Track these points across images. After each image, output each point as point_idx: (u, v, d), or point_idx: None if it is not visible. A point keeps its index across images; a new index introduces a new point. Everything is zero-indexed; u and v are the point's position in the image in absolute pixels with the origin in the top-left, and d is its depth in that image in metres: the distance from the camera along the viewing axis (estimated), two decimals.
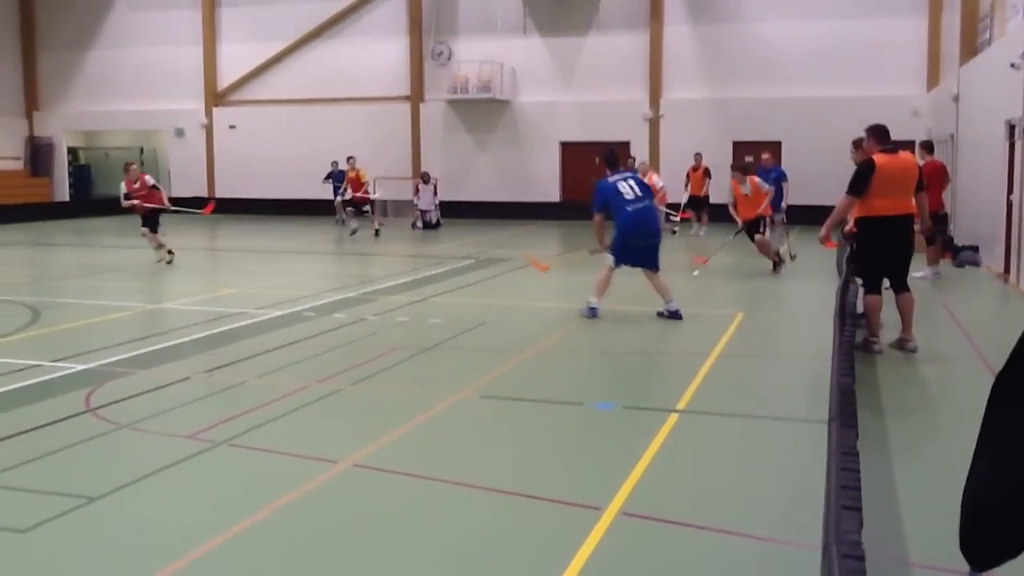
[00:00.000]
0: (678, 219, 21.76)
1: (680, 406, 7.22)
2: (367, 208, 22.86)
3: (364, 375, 8.31)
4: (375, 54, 29.91)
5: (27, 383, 8.03)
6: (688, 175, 23.10)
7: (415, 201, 26.64)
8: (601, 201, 10.99)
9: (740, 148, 25.82)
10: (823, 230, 9.31)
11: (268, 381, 8.13)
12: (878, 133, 9.00)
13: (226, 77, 31.72)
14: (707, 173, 22.86)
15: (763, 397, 7.75)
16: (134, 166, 17.42)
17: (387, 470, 5.76)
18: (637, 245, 10.95)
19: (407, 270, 16.38)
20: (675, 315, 10.93)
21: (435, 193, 26.27)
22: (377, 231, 22.99)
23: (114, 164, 34.97)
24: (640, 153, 27.39)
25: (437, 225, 25.74)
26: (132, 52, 32.19)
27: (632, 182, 11.06)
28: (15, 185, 31.58)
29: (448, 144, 29.41)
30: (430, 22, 29.41)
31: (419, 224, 25.86)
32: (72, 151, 34.20)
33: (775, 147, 26.14)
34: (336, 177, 25.74)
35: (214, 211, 20.44)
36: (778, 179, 17.99)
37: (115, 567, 4.44)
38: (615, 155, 11.64)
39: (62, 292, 13.65)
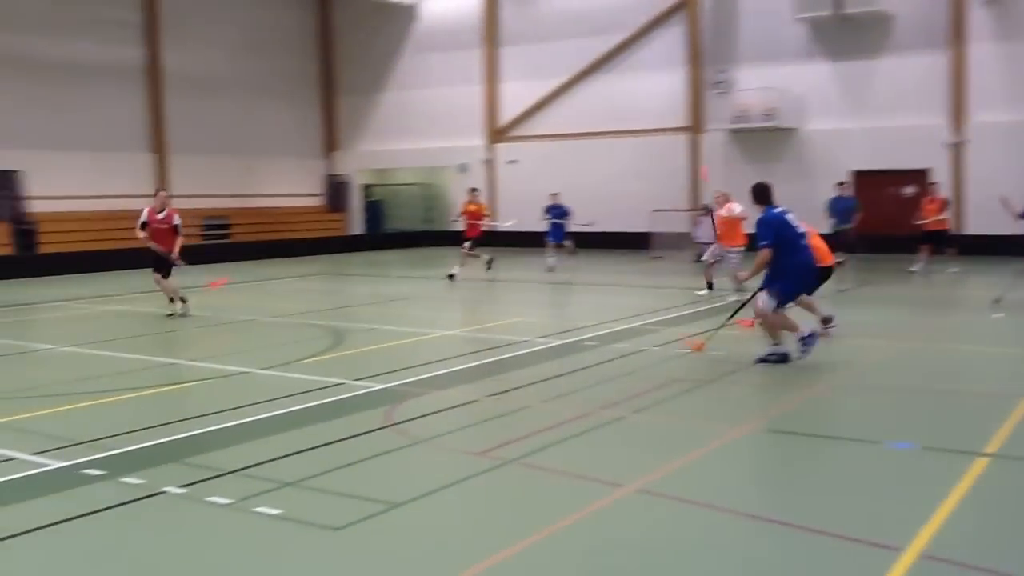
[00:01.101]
0: None
1: (989, 449, 6.82)
2: (468, 243, 21.46)
3: (646, 404, 8.46)
4: (653, 85, 30.26)
5: (333, 399, 8.85)
6: (923, 206, 21.21)
7: (694, 234, 26.55)
8: (773, 233, 10.00)
9: None
10: None
11: (552, 406, 8.48)
12: None
13: (507, 113, 33.22)
14: (945, 204, 21.03)
15: None
16: (163, 191, 15.15)
17: (672, 497, 5.87)
18: (810, 282, 10.42)
19: (688, 302, 16.40)
20: (810, 342, 10.02)
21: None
22: (490, 263, 21.89)
23: (403, 200, 37.55)
24: (943, 181, 25.89)
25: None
26: (419, 93, 34.49)
27: (793, 215, 10.30)
28: (315, 220, 34.63)
29: (729, 175, 29.02)
30: (710, 51, 29.41)
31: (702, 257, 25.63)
32: (365, 188, 37.03)
33: None
34: (554, 212, 24.62)
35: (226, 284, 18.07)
36: None
37: (416, 569, 4.84)
38: (767, 188, 10.48)
39: (360, 318, 14.84)
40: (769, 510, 5.59)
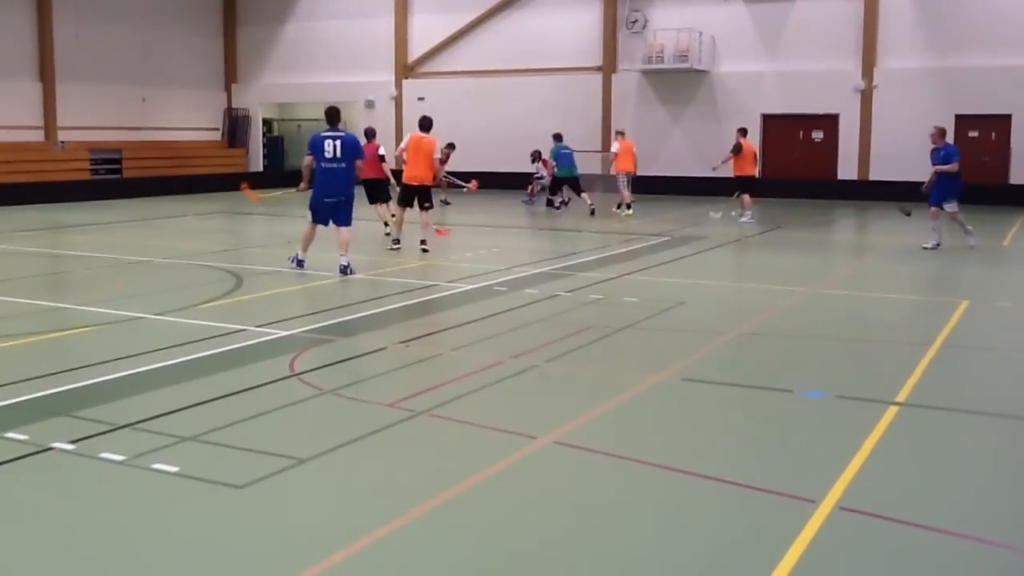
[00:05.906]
0: (468, 188, 21.06)
1: (900, 398, 6.96)
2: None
3: (559, 352, 8.42)
4: (567, 23, 29.99)
5: (235, 346, 8.58)
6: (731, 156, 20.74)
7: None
8: (310, 149, 12.76)
9: (963, 122, 24.49)
10: None
11: (463, 354, 8.37)
12: None
13: (417, 49, 32.57)
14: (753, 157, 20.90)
15: (994, 393, 7.38)
16: None
17: (588, 448, 5.84)
18: (324, 201, 12.68)
19: (599, 247, 16.42)
20: (344, 271, 12.54)
21: None
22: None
23: (305, 136, 36.60)
24: (850, 127, 26.34)
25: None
26: (327, 24, 33.52)
27: (338, 143, 12.56)
28: (213, 155, 33.63)
29: (641, 117, 29.16)
30: None
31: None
32: (267, 122, 36.01)
33: (1004, 121, 24.69)
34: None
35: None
36: (946, 159, 14.97)
37: (325, 528, 4.71)
38: (335, 112, 13.10)
39: (261, 260, 14.47)
40: (685, 462, 5.59)
